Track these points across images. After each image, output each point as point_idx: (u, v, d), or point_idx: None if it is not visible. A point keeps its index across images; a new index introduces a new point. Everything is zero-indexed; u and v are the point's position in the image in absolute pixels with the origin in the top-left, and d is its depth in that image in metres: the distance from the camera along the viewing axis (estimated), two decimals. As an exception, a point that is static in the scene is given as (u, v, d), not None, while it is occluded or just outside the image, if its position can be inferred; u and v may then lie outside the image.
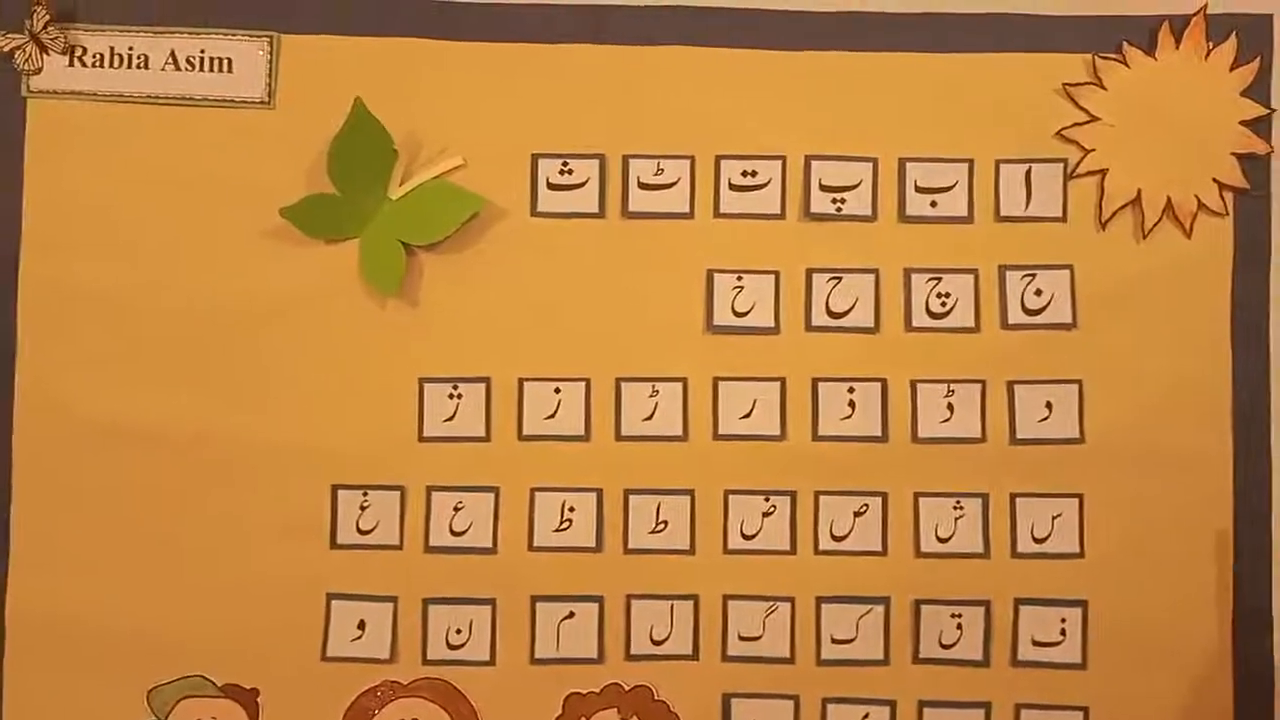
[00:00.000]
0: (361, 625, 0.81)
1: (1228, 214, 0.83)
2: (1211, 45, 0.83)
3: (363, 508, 0.81)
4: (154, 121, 0.83)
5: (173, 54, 0.83)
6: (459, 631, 0.81)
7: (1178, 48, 0.83)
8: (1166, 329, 0.83)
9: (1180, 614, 0.82)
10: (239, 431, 0.82)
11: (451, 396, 0.81)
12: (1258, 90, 0.83)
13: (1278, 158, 0.83)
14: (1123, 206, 0.83)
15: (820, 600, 0.81)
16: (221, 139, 0.83)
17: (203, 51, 0.83)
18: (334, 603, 0.81)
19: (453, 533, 0.81)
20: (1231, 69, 0.83)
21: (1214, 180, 0.83)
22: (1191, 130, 0.83)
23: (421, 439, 0.82)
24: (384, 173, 0.81)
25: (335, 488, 0.81)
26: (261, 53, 0.83)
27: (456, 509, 0.81)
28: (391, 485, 0.81)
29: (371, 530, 0.81)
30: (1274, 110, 0.83)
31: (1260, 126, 0.83)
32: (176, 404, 0.82)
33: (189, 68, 0.83)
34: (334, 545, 0.81)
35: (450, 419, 0.81)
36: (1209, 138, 0.83)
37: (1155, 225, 0.83)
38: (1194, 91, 0.83)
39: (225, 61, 0.83)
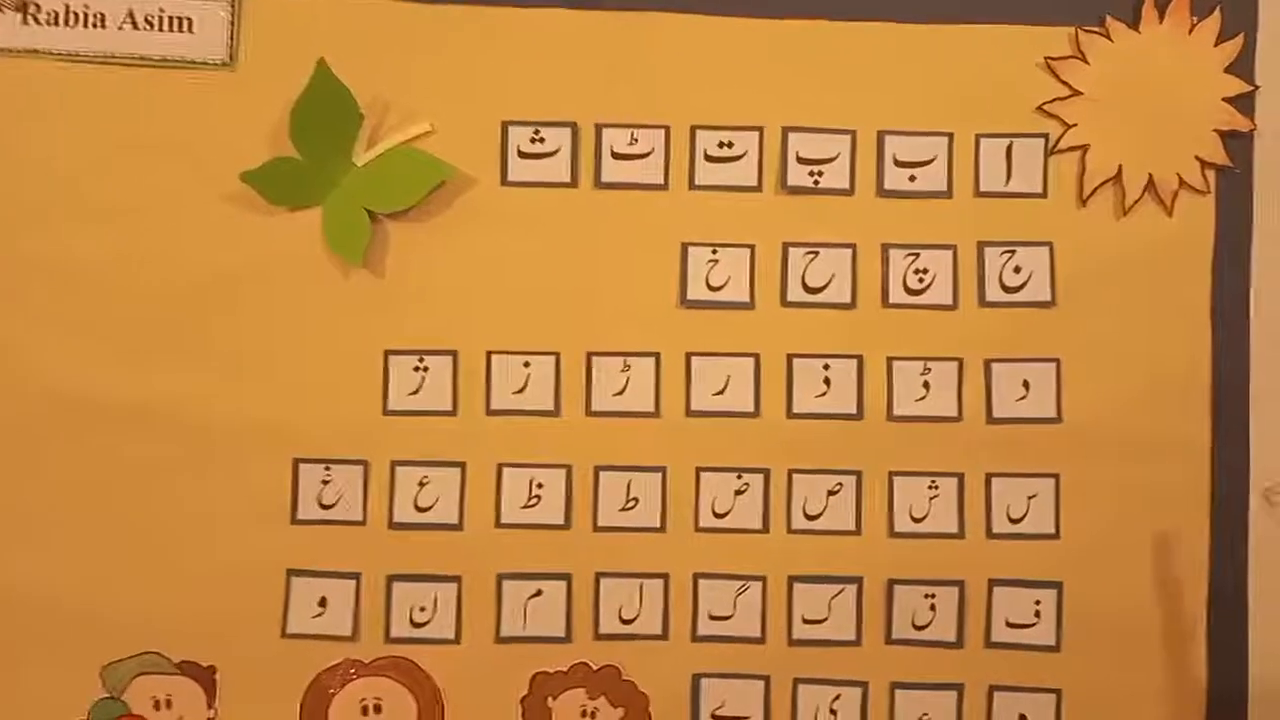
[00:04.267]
0: (323, 602, 0.79)
1: (1209, 192, 0.82)
2: (1195, 20, 0.82)
3: (325, 482, 0.79)
4: (111, 83, 0.80)
5: (130, 12, 0.80)
6: (423, 609, 0.79)
7: (1161, 21, 0.82)
8: (1146, 308, 0.82)
9: (1155, 597, 0.81)
10: (198, 404, 0.80)
11: (417, 369, 0.80)
12: (1241, 66, 0.82)
13: (1261, 135, 0.82)
14: (1103, 183, 0.82)
15: (792, 580, 0.80)
16: (181, 101, 0.80)
17: (162, 10, 0.80)
18: (294, 579, 0.79)
19: (418, 508, 0.80)
20: (1215, 44, 0.82)
21: (1196, 158, 0.82)
22: (1174, 106, 0.82)
23: (386, 413, 0.80)
24: (349, 138, 0.79)
25: (297, 462, 0.80)
26: (223, 12, 0.80)
27: (422, 484, 0.80)
28: (355, 460, 0.80)
29: (334, 505, 0.80)
30: (1258, 87, 0.82)
31: (1243, 103, 0.82)
32: (133, 376, 0.80)
33: (147, 27, 0.80)
34: (295, 520, 0.80)
35: (416, 392, 0.80)
36: (1191, 114, 0.82)
37: (1136, 203, 0.82)
38: (1177, 67, 0.82)
39: (185, 21, 0.80)
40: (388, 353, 0.80)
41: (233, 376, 0.80)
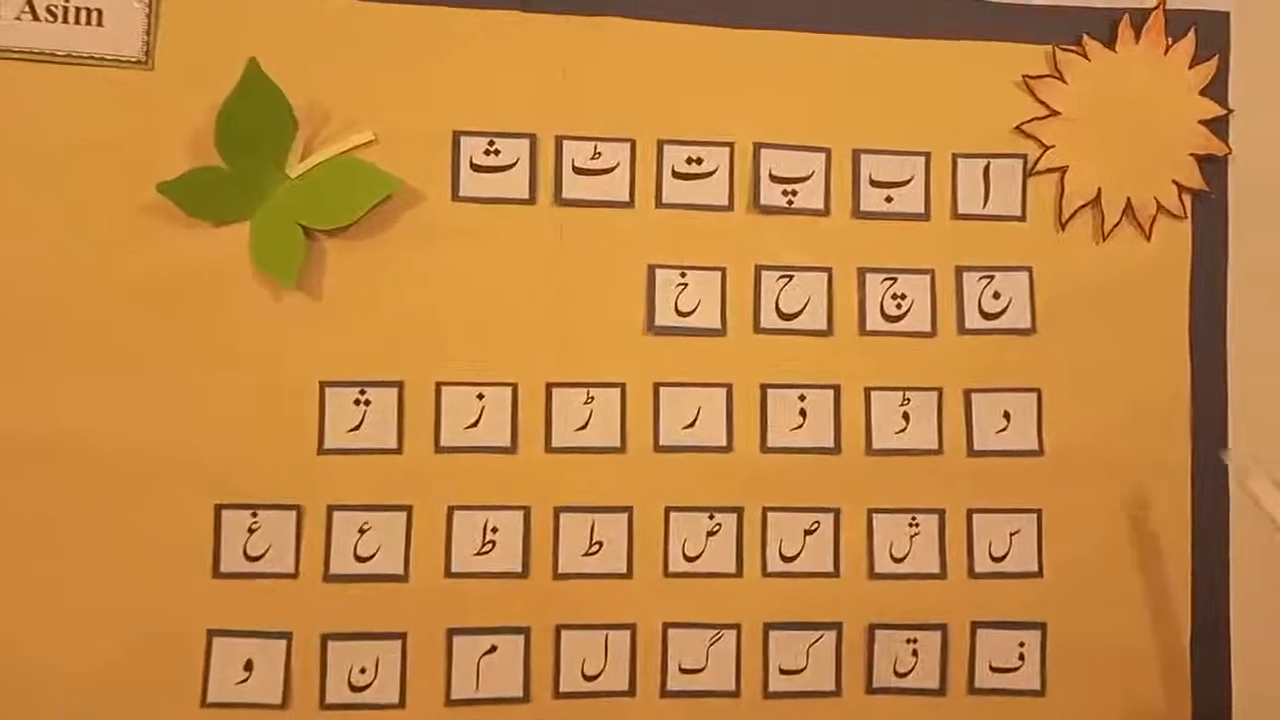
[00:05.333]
0: (249, 666, 0.72)
1: (1186, 217, 0.81)
2: (1171, 41, 0.81)
3: (251, 530, 0.72)
4: (8, 80, 0.72)
5: (30, 2, 0.71)
6: (363, 671, 0.72)
7: (1137, 42, 0.81)
8: (1125, 334, 0.80)
9: (1138, 633, 0.79)
10: (108, 440, 0.71)
11: (358, 402, 0.73)
12: (1216, 89, 0.81)
13: (1235, 160, 0.81)
14: (1082, 206, 0.80)
15: (768, 627, 0.76)
16: (91, 103, 0.72)
17: (67, 0, 0.72)
18: (216, 640, 0.72)
19: (357, 558, 0.73)
20: (1190, 66, 0.81)
21: (1174, 182, 0.81)
22: (1151, 128, 0.81)
23: (322, 451, 0.73)
24: (281, 146, 0.73)
25: (219, 507, 0.72)
26: (138, 4, 0.72)
27: (362, 531, 0.73)
28: (286, 504, 0.73)
29: (261, 556, 0.72)
30: (1231, 111, 0.81)
31: (1218, 126, 0.81)
32: (35, 406, 0.71)
33: (50, 18, 0.72)
34: (217, 574, 0.72)
35: (356, 428, 0.73)
36: (1168, 137, 0.81)
37: (1115, 227, 0.80)
38: (1153, 88, 0.81)
39: (95, 13, 0.72)
40: (324, 384, 0.73)
41: (147, 410, 0.72)
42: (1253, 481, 0.67)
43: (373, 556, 0.73)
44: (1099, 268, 0.80)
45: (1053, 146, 0.80)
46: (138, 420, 0.72)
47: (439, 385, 0.74)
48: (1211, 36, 0.81)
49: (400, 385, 0.74)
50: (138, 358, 0.72)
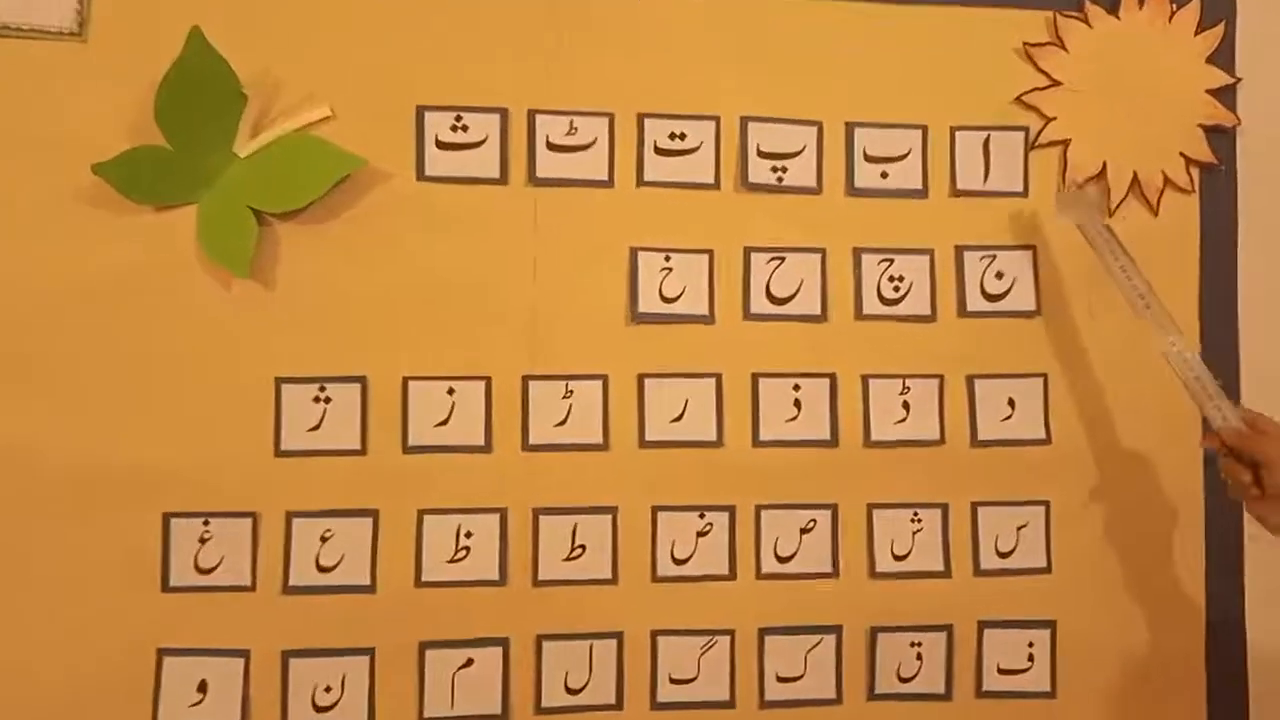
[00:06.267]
0: (203, 687, 0.67)
1: (1194, 191, 0.77)
2: (1175, 7, 0.77)
3: (203, 540, 0.67)
4: (-76, 53, 0.66)
5: (-53, -34, 0.65)
6: (328, 689, 0.68)
7: (1141, 7, 0.77)
8: (1133, 314, 0.75)
9: (1151, 630, 0.75)
10: (45, 445, 0.66)
11: (318, 400, 0.69)
12: (1222, 56, 0.78)
13: (1243, 131, 0.78)
14: (1087, 181, 0.76)
15: (763, 632, 0.72)
16: (17, 78, 0.67)
17: (-11, -36, 0.66)
18: (167, 659, 0.67)
19: (319, 568, 0.68)
20: (1196, 32, 0.77)
21: (1180, 154, 0.77)
22: (1156, 98, 0.77)
23: (279, 453, 0.68)
24: (229, 123, 0.67)
25: (168, 516, 0.67)
26: (69, -31, 0.67)
27: (324, 539, 0.68)
28: (241, 512, 0.68)
29: (215, 568, 0.67)
30: (1239, 79, 0.77)
31: (1225, 96, 0.77)
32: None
33: (-29, -15, 0.66)
34: (167, 588, 0.67)
35: (316, 428, 0.68)
36: (1175, 108, 0.77)
37: (1121, 202, 0.76)
38: (1158, 56, 0.77)
39: (21, -21, 0.66)
40: (280, 380, 0.68)
41: (88, 411, 0.67)
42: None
43: (336, 566, 0.68)
44: (1105, 245, 0.76)
45: (1055, 118, 0.76)
46: (76, 425, 0.67)
47: (406, 380, 0.69)
48: (1217, 2, 0.77)
49: (363, 381, 0.69)
50: (74, 357, 0.67)
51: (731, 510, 0.72)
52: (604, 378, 0.71)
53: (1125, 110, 0.77)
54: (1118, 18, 0.77)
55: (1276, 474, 0.61)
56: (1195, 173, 0.77)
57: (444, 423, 0.69)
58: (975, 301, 0.75)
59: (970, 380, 0.75)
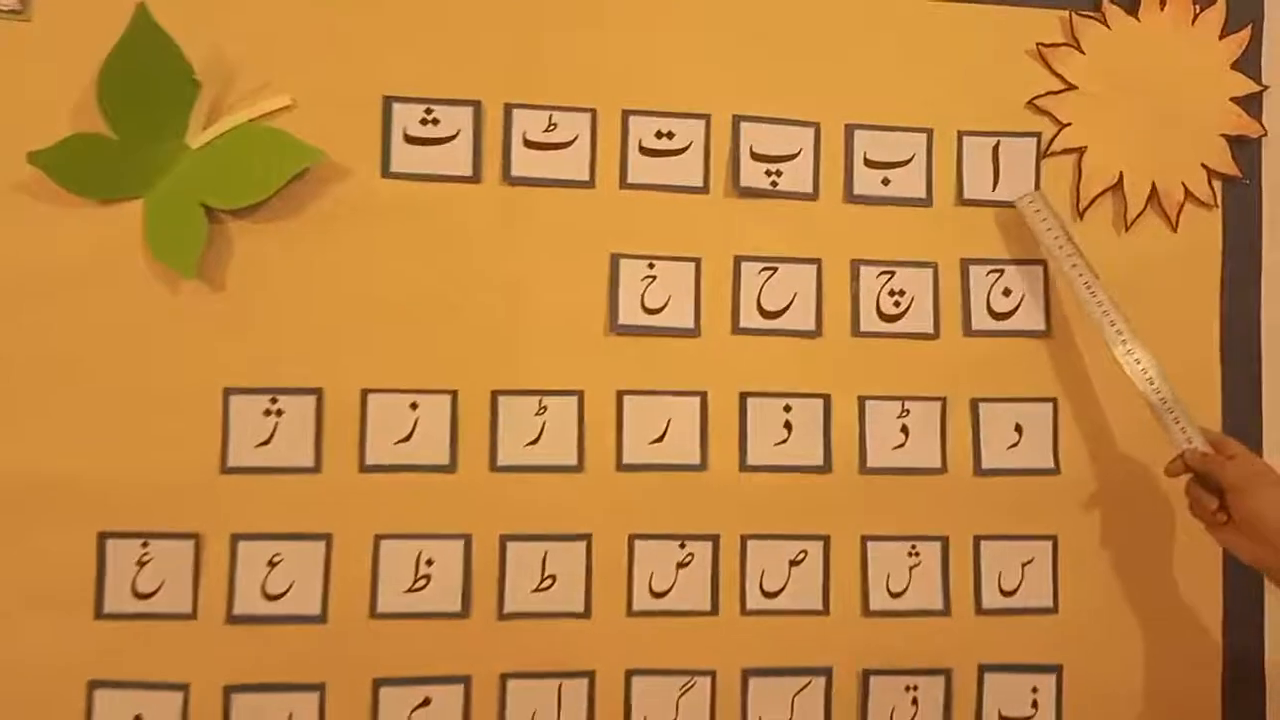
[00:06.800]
0: None
1: (1216, 205, 0.74)
2: (1198, 9, 0.73)
3: (141, 563, 0.64)
4: None
5: (-124, -64, 0.61)
6: None
7: (1163, 9, 0.73)
8: (1150, 336, 0.71)
9: (1165, 675, 0.71)
10: (-31, 458, 0.63)
11: (269, 413, 0.65)
12: (1248, 63, 0.74)
13: (1269, 142, 0.74)
14: (1103, 192, 0.73)
15: (747, 673, 0.68)
16: (-47, 60, 0.64)
17: (-78, -65, 0.62)
18: (99, 692, 0.64)
19: (266, 596, 0.65)
20: (1221, 37, 0.73)
21: (1202, 165, 0.73)
22: (1177, 105, 0.73)
23: (226, 470, 0.65)
24: (180, 111, 0.64)
25: (103, 536, 0.64)
26: (8, -59, 0.63)
27: (273, 564, 0.65)
28: (183, 533, 0.65)
29: (153, 593, 0.64)
30: (1266, 87, 0.73)
31: (1251, 105, 0.73)
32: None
33: (-99, -44, 0.61)
34: (100, 614, 0.64)
35: (266, 443, 0.65)
36: (1197, 116, 0.73)
37: (1139, 215, 0.72)
38: (1180, 60, 0.73)
39: (-44, -48, 0.62)
40: (228, 391, 0.66)
41: (17, 420, 0.64)
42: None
43: (285, 594, 0.65)
44: (1121, 261, 0.73)
45: (1069, 124, 0.73)
46: (3, 434, 0.63)
47: (364, 393, 0.66)
48: (1244, 4, 0.74)
49: (319, 393, 0.66)
50: (5, 360, 0.64)
51: (715, 540, 0.68)
52: (580, 394, 0.68)
53: (1144, 117, 0.73)
54: (1137, 18, 0.73)
55: (1245, 500, 0.58)
56: (1217, 186, 0.73)
57: (405, 439, 0.66)
58: (981, 320, 0.72)
59: (974, 404, 0.71)
